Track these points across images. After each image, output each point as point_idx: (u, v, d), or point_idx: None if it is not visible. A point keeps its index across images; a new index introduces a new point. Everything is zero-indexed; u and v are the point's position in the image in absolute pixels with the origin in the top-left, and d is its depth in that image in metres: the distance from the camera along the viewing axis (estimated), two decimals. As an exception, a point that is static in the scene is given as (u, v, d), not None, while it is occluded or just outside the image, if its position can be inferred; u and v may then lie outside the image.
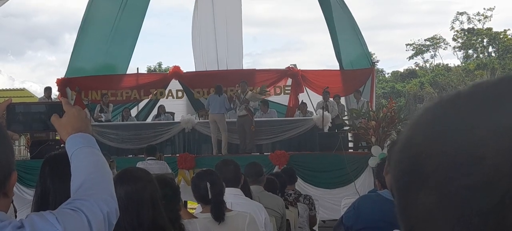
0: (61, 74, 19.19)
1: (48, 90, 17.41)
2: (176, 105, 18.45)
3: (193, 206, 11.76)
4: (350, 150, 15.35)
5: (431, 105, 0.78)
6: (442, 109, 0.75)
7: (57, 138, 16.99)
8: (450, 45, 54.45)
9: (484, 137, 0.69)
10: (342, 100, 17.72)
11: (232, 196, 4.51)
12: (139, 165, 9.99)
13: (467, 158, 0.69)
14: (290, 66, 19.27)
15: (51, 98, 17.46)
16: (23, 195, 13.92)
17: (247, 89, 15.52)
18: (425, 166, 0.72)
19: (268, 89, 17.20)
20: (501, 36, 50.34)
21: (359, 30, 18.75)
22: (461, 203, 0.69)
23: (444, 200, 0.70)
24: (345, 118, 16.37)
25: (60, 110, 2.06)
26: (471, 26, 52.60)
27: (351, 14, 18.65)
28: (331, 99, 16.72)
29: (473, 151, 0.68)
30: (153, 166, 10.34)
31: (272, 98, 17.97)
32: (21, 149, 20.90)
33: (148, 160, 11.18)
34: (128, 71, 20.16)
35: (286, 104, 18.48)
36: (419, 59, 56.60)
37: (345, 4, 18.59)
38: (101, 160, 1.95)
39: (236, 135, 15.55)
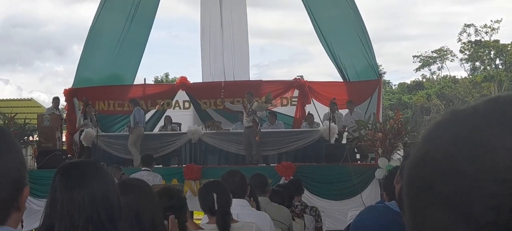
0: (69, 84, 19.27)
1: (56, 100, 17.48)
2: (183, 116, 18.45)
3: (200, 216, 11.76)
4: (356, 162, 15.31)
5: (445, 120, 0.77)
6: (460, 127, 0.74)
7: (64, 148, 17.05)
8: (457, 57, 54.47)
9: (507, 158, 0.68)
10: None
11: (238, 207, 4.50)
12: (132, 175, 9.88)
13: (491, 180, 0.68)
14: (297, 77, 19.28)
15: (59, 109, 17.51)
16: (30, 205, 13.92)
17: (253, 100, 15.54)
18: (444, 186, 0.71)
19: (273, 97, 17.21)
20: (508, 48, 50.24)
21: (369, 41, 18.72)
22: (485, 224, 0.68)
23: (465, 221, 0.69)
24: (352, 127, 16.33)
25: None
26: (478, 38, 52.60)
27: (363, 24, 18.64)
28: (338, 110, 16.68)
29: (497, 173, 0.68)
30: (144, 178, 10.11)
31: (279, 109, 17.96)
32: (28, 159, 20.94)
33: (142, 170, 10.97)
34: (135, 82, 20.21)
35: (293, 115, 18.46)
36: (426, 71, 56.63)
37: (359, 14, 18.59)
38: None
39: (242, 145, 15.55)
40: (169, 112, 18.36)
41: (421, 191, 0.74)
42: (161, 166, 15.98)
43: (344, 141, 16.25)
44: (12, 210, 1.44)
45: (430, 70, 56.52)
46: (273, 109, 17.21)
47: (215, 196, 4.01)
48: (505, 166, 0.67)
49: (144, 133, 17.30)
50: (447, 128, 0.75)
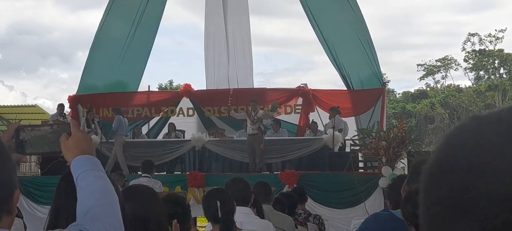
0: (74, 91, 19.31)
1: (60, 107, 17.50)
2: (187, 124, 18.47)
3: (203, 224, 11.76)
4: (360, 170, 15.29)
5: (467, 126, 0.74)
6: (483, 135, 0.71)
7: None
8: (461, 66, 54.43)
9: None
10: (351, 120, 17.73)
11: (242, 215, 4.50)
12: (131, 183, 9.69)
13: None
14: (301, 85, 19.29)
15: (64, 115, 17.53)
16: (34, 212, 13.97)
17: (257, 108, 15.56)
18: (469, 197, 0.69)
19: (280, 106, 17.26)
20: (512, 58, 50.23)
21: (374, 50, 18.71)
22: None
23: None
24: (355, 137, 16.30)
25: (68, 131, 2.08)
26: (482, 47, 52.57)
27: (368, 32, 18.64)
28: (342, 118, 16.66)
29: None
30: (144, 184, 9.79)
31: (283, 117, 17.96)
32: (32, 165, 20.96)
33: (142, 177, 10.63)
34: (139, 89, 20.24)
35: (297, 123, 18.46)
36: (430, 80, 56.62)
37: (363, 23, 18.59)
38: (109, 185, 1.97)
39: (246, 153, 15.55)
40: (173, 119, 18.37)
41: (440, 199, 0.73)
42: (164, 173, 16.00)
43: (348, 150, 16.24)
44: (3, 213, 1.46)
45: (434, 79, 56.55)
46: (277, 117, 17.21)
47: (218, 203, 4.01)
48: None
49: (148, 139, 17.34)
50: (469, 134, 0.73)
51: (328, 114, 16.71)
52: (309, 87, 19.11)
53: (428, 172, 0.76)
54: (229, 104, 16.52)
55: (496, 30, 51.77)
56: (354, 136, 16.31)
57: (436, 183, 0.73)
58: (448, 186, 0.71)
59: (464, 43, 53.21)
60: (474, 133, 0.72)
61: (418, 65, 56.20)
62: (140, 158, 15.72)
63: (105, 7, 19.34)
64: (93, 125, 16.74)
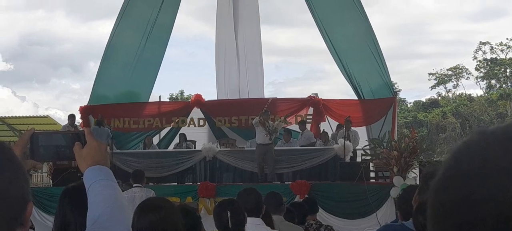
0: (85, 101, 19.37)
1: (71, 117, 17.56)
2: (198, 134, 18.48)
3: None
4: (371, 180, 15.25)
5: (475, 142, 0.74)
6: (490, 151, 0.71)
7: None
8: (472, 75, 54.21)
9: None
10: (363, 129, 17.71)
11: (253, 226, 4.49)
12: (125, 193, 9.30)
13: None
14: (312, 95, 19.27)
15: (75, 126, 17.59)
16: (45, 222, 14.02)
17: (269, 118, 15.58)
18: (472, 212, 0.69)
19: (289, 120, 17.39)
20: (524, 66, 50.02)
21: (383, 59, 18.70)
22: None
23: None
24: (366, 146, 16.26)
25: (82, 140, 2.10)
26: (494, 56, 52.36)
27: (377, 42, 18.64)
28: (353, 128, 16.66)
29: None
30: (137, 195, 9.42)
31: (294, 127, 17.94)
32: (43, 176, 21.05)
33: (133, 187, 10.11)
34: (150, 99, 20.28)
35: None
36: (441, 89, 56.40)
37: (373, 32, 18.60)
38: (119, 193, 1.99)
39: (255, 163, 15.50)
40: (184, 129, 18.38)
41: (448, 215, 0.72)
42: (175, 183, 16.02)
43: (359, 159, 16.20)
44: (17, 226, 1.46)
45: (445, 88, 56.36)
46: (287, 127, 17.21)
47: (229, 214, 4.01)
48: None
49: (159, 150, 17.36)
50: (476, 150, 0.72)
51: (343, 125, 16.65)
52: (319, 97, 19.09)
53: (435, 187, 0.76)
54: (266, 107, 16.42)
55: (507, 38, 51.59)
56: (365, 146, 16.26)
57: (443, 199, 0.73)
58: (454, 203, 0.71)
59: (476, 52, 53.06)
60: (481, 149, 0.72)
61: (429, 74, 56.06)
62: (152, 168, 15.81)
63: (116, 18, 19.44)
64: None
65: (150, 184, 15.61)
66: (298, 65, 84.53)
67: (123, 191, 10.01)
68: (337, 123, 17.57)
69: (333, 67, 19.52)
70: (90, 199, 1.95)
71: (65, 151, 2.27)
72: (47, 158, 2.59)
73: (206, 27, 71.28)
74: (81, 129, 17.66)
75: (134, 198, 8.96)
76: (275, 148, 15.74)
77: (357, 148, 16.33)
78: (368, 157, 15.62)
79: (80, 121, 18.83)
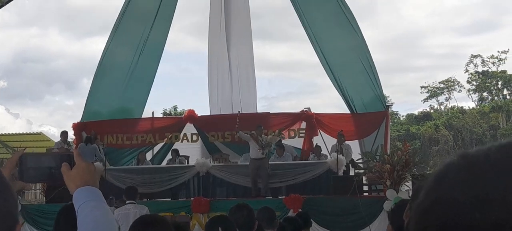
0: (79, 118, 19.33)
1: (64, 134, 17.55)
2: (191, 149, 18.46)
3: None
4: (365, 193, 15.27)
5: (456, 165, 0.74)
6: (471, 176, 0.71)
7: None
8: (464, 88, 54.44)
9: None
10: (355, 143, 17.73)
11: (245, 242, 4.51)
12: (117, 211, 9.41)
13: None
14: (304, 109, 19.29)
15: (68, 142, 17.57)
16: (39, 239, 13.97)
17: (262, 133, 15.60)
18: None
19: (283, 133, 17.35)
20: (515, 79, 50.26)
21: (376, 73, 18.77)
22: None
23: None
24: (359, 160, 16.29)
25: (72, 161, 2.11)
26: (485, 68, 52.64)
27: (369, 55, 18.72)
28: (346, 142, 16.69)
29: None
30: (131, 211, 9.31)
31: (287, 141, 17.94)
32: (36, 193, 20.98)
33: (127, 203, 9.92)
34: (144, 115, 20.27)
35: (300, 147, 18.45)
36: (434, 102, 56.61)
37: (365, 46, 18.68)
38: (108, 214, 2.01)
39: (249, 177, 15.51)
40: (177, 145, 18.37)
41: None
42: (169, 199, 16.00)
43: (352, 173, 16.22)
44: None
45: (437, 101, 56.58)
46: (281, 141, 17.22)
47: (220, 230, 4.03)
48: None
49: (152, 166, 17.35)
50: (458, 174, 0.72)
51: (335, 139, 16.68)
52: (312, 111, 19.12)
53: (417, 210, 0.76)
54: (237, 126, 16.42)
55: (498, 51, 51.94)
56: (358, 159, 16.30)
57: (425, 222, 0.74)
58: (435, 227, 0.72)
59: (467, 65, 53.36)
60: (461, 173, 0.73)
61: (421, 87, 56.29)
62: (145, 184, 15.80)
63: (109, 34, 19.46)
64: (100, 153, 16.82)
65: (143, 200, 15.59)
66: (291, 79, 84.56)
67: (116, 207, 10.02)
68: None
69: (326, 81, 19.59)
70: (79, 220, 1.96)
71: (55, 173, 2.29)
72: (37, 180, 2.60)
73: (199, 42, 71.46)
74: (74, 146, 17.68)
75: (128, 215, 8.95)
76: (270, 162, 15.77)
77: (350, 161, 16.36)
78: (361, 171, 15.65)
79: (73, 137, 18.81)
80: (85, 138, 17.03)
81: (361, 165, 15.84)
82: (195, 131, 18.90)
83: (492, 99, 52.38)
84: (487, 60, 52.26)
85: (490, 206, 0.68)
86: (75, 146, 17.91)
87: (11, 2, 14.40)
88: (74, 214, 2.42)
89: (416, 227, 0.76)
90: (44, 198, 16.17)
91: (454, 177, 0.73)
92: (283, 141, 17.21)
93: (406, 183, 14.14)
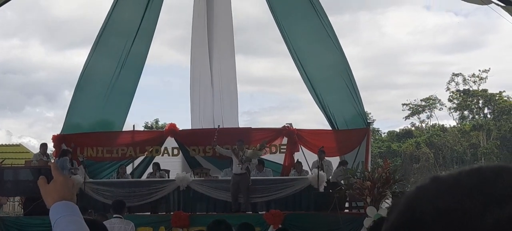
0: (59, 130, 19.20)
1: (43, 146, 17.41)
2: (172, 163, 18.38)
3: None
4: (345, 210, 15.28)
5: (427, 189, 0.76)
6: (441, 200, 0.72)
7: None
8: (445, 106, 54.85)
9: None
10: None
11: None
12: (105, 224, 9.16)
13: None
14: (286, 125, 19.31)
15: (47, 154, 17.44)
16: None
17: (244, 148, 15.56)
18: None
19: (267, 145, 17.28)
20: (496, 98, 50.75)
21: (357, 90, 18.87)
22: None
23: None
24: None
25: (49, 175, 2.09)
26: (466, 87, 53.09)
27: (351, 72, 18.82)
28: (326, 158, 16.72)
29: None
30: (116, 226, 9.09)
31: (268, 157, 17.93)
32: (15, 205, 20.77)
33: (113, 217, 9.61)
34: (124, 128, 20.18)
35: (282, 163, 18.44)
36: (415, 119, 56.94)
37: (347, 63, 18.77)
38: (82, 229, 1.98)
39: (229, 192, 15.47)
40: (157, 159, 18.30)
41: None
42: (149, 213, 15.90)
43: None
44: None
45: (419, 118, 56.91)
46: (262, 157, 17.20)
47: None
48: None
49: (132, 179, 17.26)
50: (428, 198, 0.74)
51: (316, 155, 16.71)
52: (294, 127, 19.14)
53: (391, 226, 0.77)
54: (214, 140, 16.41)
55: (480, 70, 52.39)
56: (339, 176, 16.31)
57: None
58: None
59: (449, 83, 53.76)
60: (431, 197, 0.73)
61: (403, 104, 56.63)
62: (125, 197, 15.63)
63: (90, 47, 19.39)
64: (72, 165, 16.71)
65: (124, 214, 15.49)
66: (273, 94, 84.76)
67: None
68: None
69: (308, 97, 19.63)
70: None
71: (33, 186, 2.26)
72: (14, 193, 2.55)
73: (181, 56, 71.22)
74: (53, 159, 17.57)
75: (113, 229, 8.83)
76: (251, 177, 15.77)
77: (330, 177, 16.38)
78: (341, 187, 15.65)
79: (53, 149, 18.67)
80: (61, 152, 16.92)
81: (341, 182, 15.85)
82: (176, 145, 18.85)
83: (473, 118, 52.81)
84: (468, 79, 52.75)
85: (457, 228, 0.69)
86: (54, 158, 17.79)
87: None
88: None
89: None
90: (22, 210, 16.01)
91: (424, 199, 0.74)
92: (264, 157, 17.20)
93: (387, 200, 14.18)
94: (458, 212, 0.70)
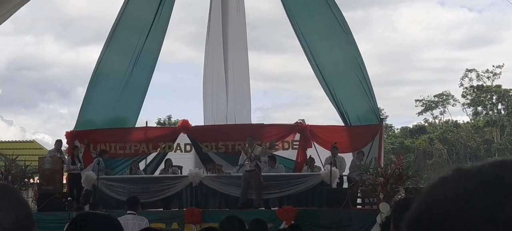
0: (73, 126, 19.28)
1: (58, 142, 17.48)
2: (184, 159, 18.41)
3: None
4: (358, 206, 15.24)
5: (450, 178, 0.76)
6: (463, 189, 0.73)
7: (65, 190, 17.01)
8: (459, 102, 54.54)
9: (508, 227, 0.68)
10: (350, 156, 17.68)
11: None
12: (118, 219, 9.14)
13: None
14: (299, 121, 19.26)
15: (61, 151, 17.51)
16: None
17: (254, 144, 15.53)
18: None
19: (277, 144, 17.22)
20: (510, 94, 50.40)
21: (370, 86, 18.79)
22: None
23: None
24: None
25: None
26: (480, 83, 52.74)
27: (364, 68, 18.75)
28: (339, 154, 16.67)
29: None
30: (130, 222, 9.02)
31: (280, 153, 17.88)
32: (28, 201, 20.84)
33: (127, 214, 9.50)
34: (137, 124, 20.22)
35: (294, 159, 18.41)
36: (428, 115, 56.68)
37: (360, 59, 18.71)
38: None
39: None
40: (170, 155, 18.32)
41: None
42: (161, 209, 15.93)
43: (345, 185, 16.19)
44: None
45: (432, 114, 56.64)
46: (274, 153, 17.18)
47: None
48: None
49: (145, 175, 17.31)
50: (450, 187, 0.75)
51: (329, 151, 16.68)
52: (306, 123, 19.10)
53: (409, 219, 0.78)
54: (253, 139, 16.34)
55: (493, 66, 52.00)
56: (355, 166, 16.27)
57: (416, 229, 0.76)
58: None
59: (462, 79, 53.44)
60: (454, 186, 0.74)
61: (416, 100, 56.35)
62: (138, 193, 15.68)
63: (103, 43, 19.45)
64: (79, 163, 16.78)
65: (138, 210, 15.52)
66: (286, 91, 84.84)
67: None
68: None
69: (320, 93, 19.58)
70: None
71: None
72: None
73: (194, 52, 71.55)
74: (66, 155, 17.63)
75: (126, 226, 8.83)
76: (262, 173, 15.77)
77: (343, 174, 16.35)
78: (354, 184, 15.61)
79: (67, 146, 18.75)
80: (98, 152, 17.36)
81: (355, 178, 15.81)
82: (188, 141, 18.87)
83: (487, 113, 52.47)
84: (482, 75, 52.40)
85: (477, 219, 0.69)
86: (67, 154, 17.86)
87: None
88: (88, 224, 2.38)
89: None
90: (36, 206, 16.09)
91: (446, 189, 0.75)
92: (276, 153, 17.17)
93: (399, 196, 14.11)
94: (478, 201, 0.70)
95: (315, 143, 18.48)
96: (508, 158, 0.76)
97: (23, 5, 13.46)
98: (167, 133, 20.43)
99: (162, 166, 17.89)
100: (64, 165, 16.86)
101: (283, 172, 16.49)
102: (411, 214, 0.78)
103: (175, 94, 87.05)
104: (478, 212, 0.69)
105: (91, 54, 75.59)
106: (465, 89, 53.40)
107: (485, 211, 0.69)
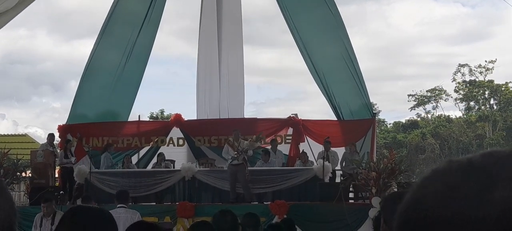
0: (66, 120, 19.23)
1: (50, 136, 17.44)
2: (177, 153, 18.40)
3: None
4: (350, 201, 15.27)
5: (441, 169, 0.79)
6: (453, 177, 0.76)
7: (57, 184, 16.98)
8: (451, 97, 54.67)
9: (496, 211, 0.70)
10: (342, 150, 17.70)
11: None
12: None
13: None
14: (291, 115, 19.29)
15: (53, 144, 17.48)
16: (21, 242, 13.82)
17: (239, 138, 15.43)
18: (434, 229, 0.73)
19: (264, 137, 17.22)
20: (502, 89, 50.52)
21: (363, 81, 18.83)
22: None
23: None
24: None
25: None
26: (472, 78, 52.87)
27: (357, 63, 18.78)
28: (332, 149, 16.69)
29: (486, 226, 0.70)
30: (122, 215, 8.95)
31: (279, 147, 17.86)
32: (20, 195, 20.83)
33: (118, 207, 9.53)
34: (130, 118, 20.20)
35: (287, 153, 18.43)
36: (421, 110, 56.78)
37: (353, 54, 18.73)
38: None
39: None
40: (163, 149, 18.31)
41: None
42: (154, 203, 15.92)
43: (338, 180, 16.22)
44: None
45: (425, 109, 56.76)
46: (266, 147, 17.19)
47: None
48: (494, 219, 0.69)
49: (138, 169, 17.29)
50: (441, 176, 0.77)
51: (321, 145, 16.69)
52: (299, 118, 19.12)
53: (401, 209, 0.80)
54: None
55: (486, 61, 52.12)
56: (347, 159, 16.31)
57: (408, 219, 0.77)
58: (417, 223, 0.75)
59: (455, 74, 53.54)
60: (444, 175, 0.77)
61: (409, 95, 56.47)
62: (131, 187, 15.68)
63: (96, 37, 19.40)
64: (71, 156, 16.75)
65: (129, 204, 15.51)
66: (280, 86, 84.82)
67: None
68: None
69: (314, 87, 19.60)
70: None
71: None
72: None
73: (189, 47, 71.41)
74: (59, 149, 17.59)
75: (119, 219, 8.83)
76: (255, 168, 15.77)
77: (336, 168, 16.37)
78: (347, 178, 15.64)
79: (59, 139, 18.70)
80: (104, 146, 17.60)
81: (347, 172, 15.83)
82: (181, 135, 18.86)
83: (479, 108, 52.62)
84: (474, 70, 52.52)
85: (467, 205, 0.72)
86: (59, 148, 17.82)
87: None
88: (79, 218, 2.37)
89: (399, 221, 0.79)
90: (28, 200, 16.05)
91: (437, 178, 0.77)
92: (268, 147, 17.18)
93: (391, 191, 14.15)
94: (467, 188, 0.73)
95: (308, 137, 18.51)
96: (498, 149, 0.78)
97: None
98: (160, 126, 20.43)
99: (154, 160, 17.86)
100: (56, 159, 16.83)
101: (281, 159, 16.54)
102: (404, 204, 0.80)
103: (168, 88, 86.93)
104: (467, 198, 0.72)
105: (84, 48, 75.27)
106: (457, 84, 53.54)
107: (474, 196, 0.72)
